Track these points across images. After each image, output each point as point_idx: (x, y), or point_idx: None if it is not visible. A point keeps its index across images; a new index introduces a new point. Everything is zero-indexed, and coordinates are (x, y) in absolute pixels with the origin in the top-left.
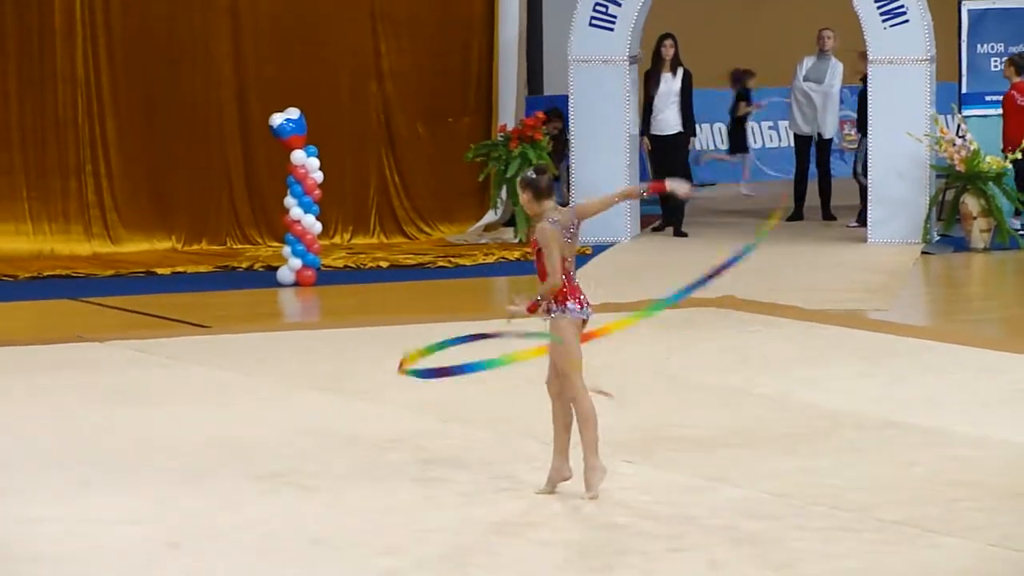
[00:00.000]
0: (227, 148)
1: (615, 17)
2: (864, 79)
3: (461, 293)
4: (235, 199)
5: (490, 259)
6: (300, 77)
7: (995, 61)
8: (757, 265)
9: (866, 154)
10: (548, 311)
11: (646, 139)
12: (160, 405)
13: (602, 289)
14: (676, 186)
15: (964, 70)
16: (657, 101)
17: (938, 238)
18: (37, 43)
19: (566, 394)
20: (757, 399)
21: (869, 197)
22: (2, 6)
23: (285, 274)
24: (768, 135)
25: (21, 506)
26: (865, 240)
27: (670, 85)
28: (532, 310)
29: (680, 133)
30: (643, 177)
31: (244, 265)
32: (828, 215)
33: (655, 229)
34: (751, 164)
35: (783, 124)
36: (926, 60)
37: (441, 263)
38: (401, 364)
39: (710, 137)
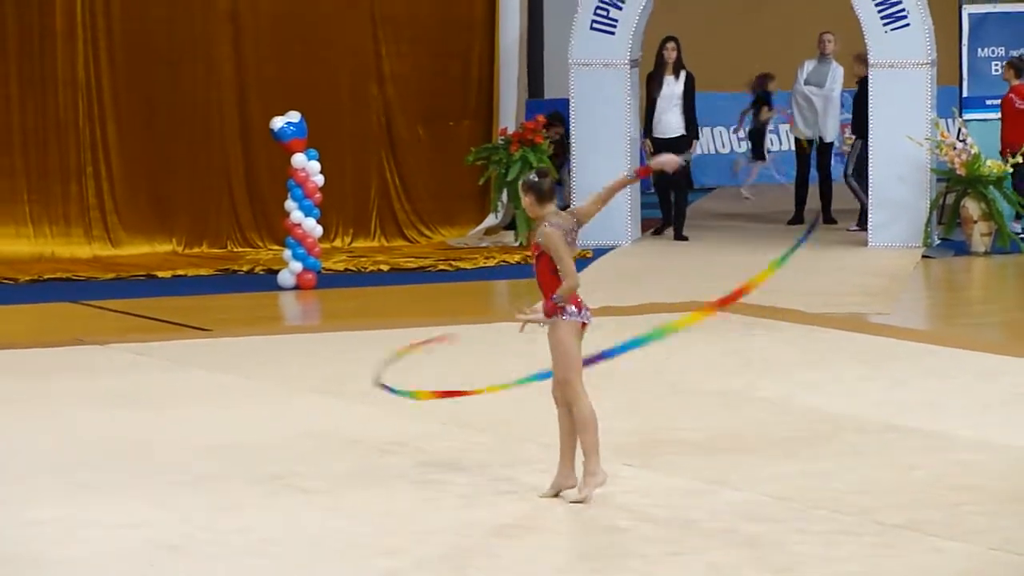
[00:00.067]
0: (228, 151)
1: (616, 21)
2: (860, 82)
3: (462, 296)
4: (236, 202)
5: (491, 262)
6: (300, 80)
7: (996, 65)
8: (757, 269)
9: (859, 157)
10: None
11: (648, 142)
12: (160, 408)
13: (603, 293)
14: (664, 160)
15: (965, 74)
16: (659, 104)
17: (939, 242)
18: (38, 46)
19: (567, 398)
20: (758, 403)
21: (869, 200)
22: (3, 8)
23: (286, 277)
24: (768, 139)
25: (22, 509)
26: (866, 244)
27: (672, 88)
28: (550, 313)
29: (682, 136)
30: (643, 182)
31: (245, 268)
32: (829, 219)
33: (655, 232)
34: (762, 169)
35: (783, 128)
36: (927, 64)
37: (442, 266)
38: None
39: (710, 141)
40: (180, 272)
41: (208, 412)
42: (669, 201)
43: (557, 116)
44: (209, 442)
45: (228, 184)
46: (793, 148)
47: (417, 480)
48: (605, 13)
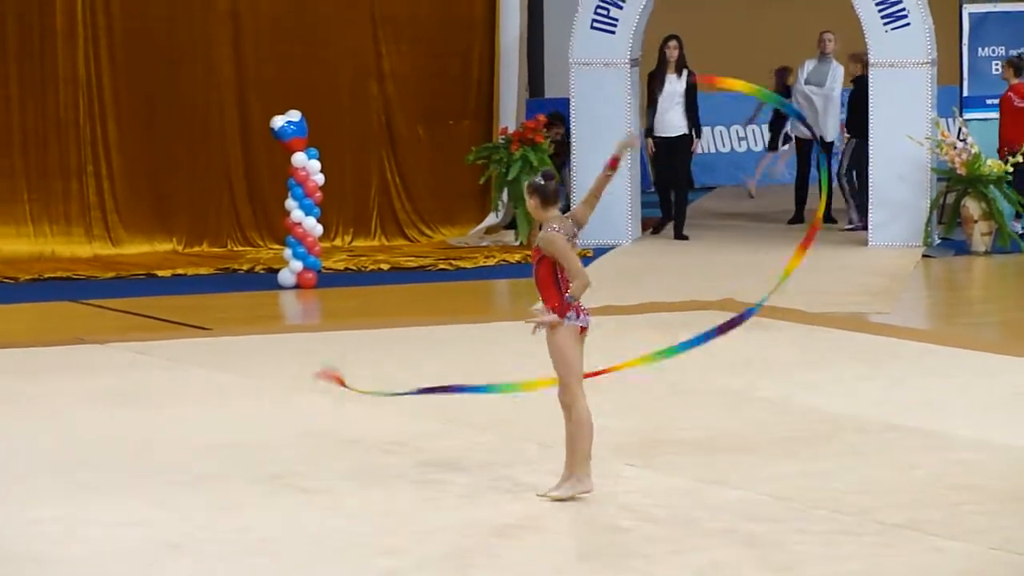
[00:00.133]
0: (228, 150)
1: (616, 20)
2: (854, 81)
3: (462, 296)
4: (236, 201)
5: (491, 262)
6: (300, 79)
7: (996, 64)
8: (758, 268)
9: (852, 155)
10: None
11: (650, 140)
12: (160, 407)
13: (603, 292)
14: (623, 142)
15: (965, 73)
16: (661, 102)
17: (939, 241)
18: (38, 45)
19: (566, 402)
20: (758, 402)
21: (870, 200)
22: (3, 7)
23: (286, 276)
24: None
25: (22, 508)
26: (866, 243)
27: (675, 86)
28: (564, 313)
29: (684, 135)
30: (644, 180)
31: (245, 267)
32: (829, 218)
33: (655, 230)
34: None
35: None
36: (927, 63)
37: (442, 265)
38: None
39: (710, 139)
40: (180, 271)
41: (208, 411)
42: (669, 199)
43: (558, 116)
44: (209, 441)
45: (228, 183)
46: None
47: (417, 480)
48: (605, 12)
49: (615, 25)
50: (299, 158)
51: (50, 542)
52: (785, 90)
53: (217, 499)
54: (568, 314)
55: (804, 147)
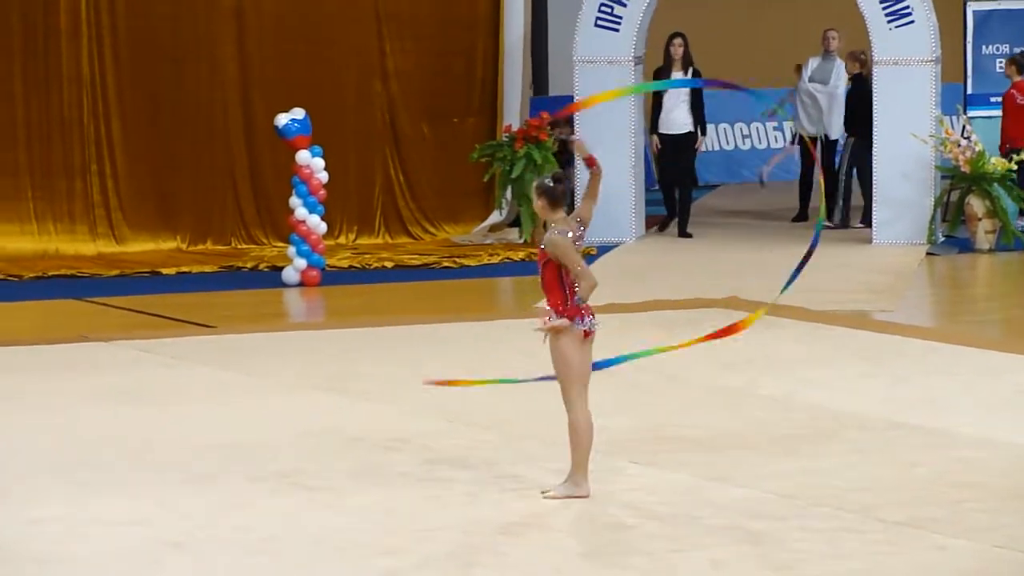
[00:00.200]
0: (232, 148)
1: (620, 18)
2: (853, 79)
3: (466, 294)
4: (240, 199)
5: (495, 259)
6: (304, 77)
7: (1000, 62)
8: (761, 266)
9: (852, 154)
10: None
11: (655, 138)
12: (164, 405)
13: (607, 290)
14: (577, 144)
15: (969, 71)
16: (667, 100)
17: (943, 239)
18: (42, 43)
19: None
20: (761, 400)
21: (874, 198)
22: (7, 6)
23: (290, 274)
24: (773, 136)
25: (24, 507)
26: (870, 241)
27: None
28: (572, 316)
29: (690, 132)
30: (648, 177)
31: (249, 265)
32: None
33: (660, 228)
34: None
35: (787, 125)
36: (931, 61)
37: (446, 263)
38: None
39: (715, 138)
40: (184, 269)
41: (211, 409)
42: (673, 197)
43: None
44: (211, 439)
45: (232, 181)
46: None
47: (422, 478)
48: (609, 10)
49: (619, 23)
50: (303, 156)
51: (51, 541)
52: None
53: (219, 498)
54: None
55: (806, 145)
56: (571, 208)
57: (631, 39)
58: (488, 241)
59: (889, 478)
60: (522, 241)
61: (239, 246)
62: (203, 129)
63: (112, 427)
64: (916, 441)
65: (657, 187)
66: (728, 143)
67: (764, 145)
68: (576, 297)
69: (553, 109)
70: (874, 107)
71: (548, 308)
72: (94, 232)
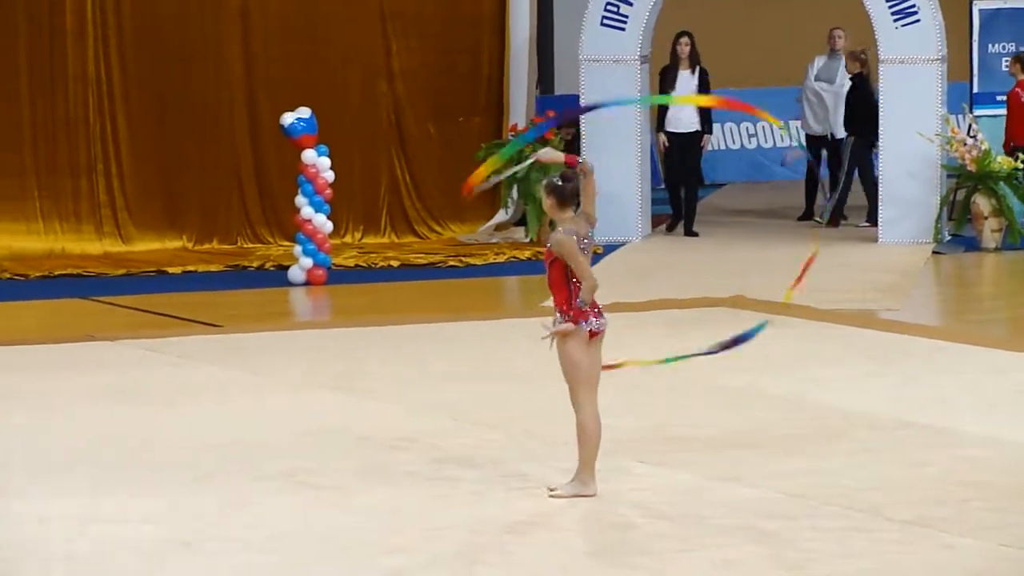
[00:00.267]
0: (238, 147)
1: (626, 17)
2: (852, 79)
3: (472, 293)
4: (246, 198)
5: (501, 258)
6: (310, 76)
7: (1006, 61)
8: (768, 264)
9: (852, 153)
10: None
11: (662, 136)
12: (170, 404)
13: (613, 289)
14: (547, 153)
15: (975, 70)
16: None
17: (949, 238)
18: (48, 42)
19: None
20: (769, 399)
21: (880, 197)
22: (13, 5)
23: (296, 273)
24: (778, 135)
25: (32, 506)
26: (876, 240)
27: (688, 83)
28: (578, 319)
29: (697, 132)
30: (654, 176)
31: (255, 264)
32: (841, 214)
33: (668, 229)
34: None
35: (794, 124)
36: (937, 60)
37: (452, 262)
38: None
39: (721, 136)
40: (190, 268)
41: (217, 408)
42: (679, 197)
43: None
44: (218, 438)
45: (238, 180)
46: (795, 143)
47: (428, 477)
48: (615, 9)
49: (625, 22)
50: (309, 155)
51: (58, 540)
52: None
53: (226, 496)
54: (580, 319)
55: (814, 143)
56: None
57: (637, 38)
58: (494, 240)
59: (897, 477)
60: (528, 240)
61: (245, 245)
62: (209, 128)
63: (118, 426)
64: (923, 440)
65: (663, 186)
66: (735, 142)
67: (770, 144)
68: (578, 300)
69: (559, 108)
70: (880, 106)
71: (554, 308)
72: (100, 231)
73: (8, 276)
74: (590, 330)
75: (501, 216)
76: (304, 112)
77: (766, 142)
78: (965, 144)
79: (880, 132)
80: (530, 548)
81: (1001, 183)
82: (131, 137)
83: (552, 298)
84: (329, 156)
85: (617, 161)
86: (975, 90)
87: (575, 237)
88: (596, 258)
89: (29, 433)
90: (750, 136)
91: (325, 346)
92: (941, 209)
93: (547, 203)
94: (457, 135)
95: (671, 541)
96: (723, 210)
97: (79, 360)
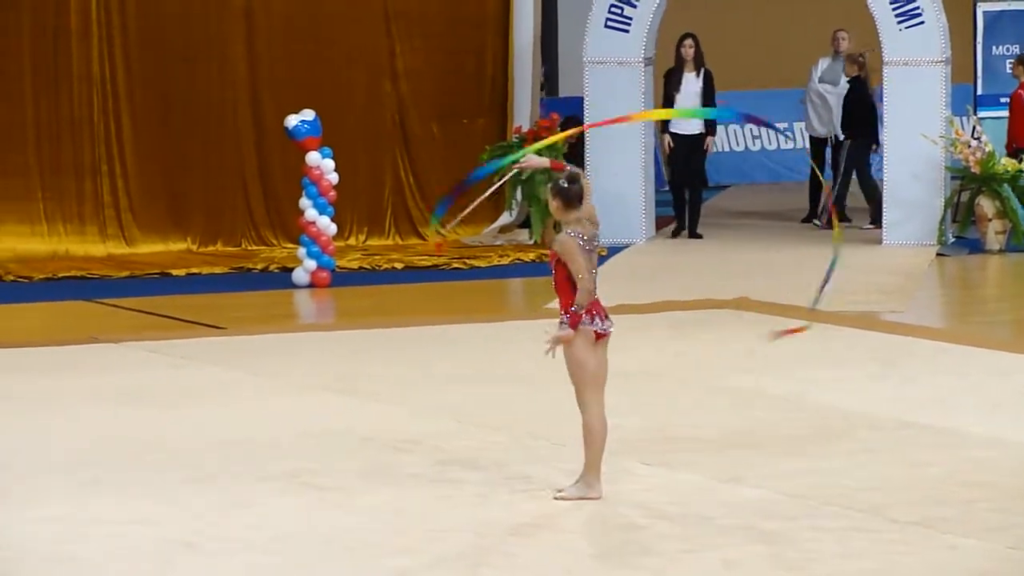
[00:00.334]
0: (242, 149)
1: (630, 19)
2: (851, 82)
3: (476, 295)
4: (250, 200)
5: (505, 261)
6: (314, 78)
7: (1010, 63)
8: (772, 266)
9: (849, 156)
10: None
11: (666, 137)
12: (173, 406)
13: (617, 290)
14: (530, 161)
15: (979, 72)
16: (680, 101)
17: (953, 240)
18: (52, 42)
19: (578, 408)
20: (771, 400)
21: (884, 199)
22: (17, 6)
23: (300, 275)
24: (782, 137)
25: (32, 507)
26: (880, 242)
27: (693, 85)
28: (575, 324)
29: (702, 133)
30: (658, 178)
31: (259, 266)
32: (843, 217)
33: (672, 234)
34: None
35: (798, 126)
36: (941, 62)
37: (456, 265)
38: None
39: (724, 138)
40: (194, 270)
41: (221, 410)
42: (683, 200)
43: (575, 121)
44: (222, 439)
45: (243, 182)
46: (800, 145)
47: (432, 479)
48: (619, 11)
49: (629, 24)
50: (313, 157)
51: (60, 541)
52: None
53: (229, 497)
54: (583, 320)
55: (818, 145)
56: None
57: (641, 40)
58: (498, 242)
59: (899, 478)
60: (532, 242)
61: (249, 247)
62: (213, 129)
63: (121, 427)
64: (926, 441)
65: (667, 188)
66: (739, 144)
67: (774, 147)
68: (574, 306)
69: (563, 110)
70: (884, 108)
71: (560, 310)
72: (104, 233)
73: (12, 278)
74: (596, 331)
75: (505, 218)
76: (308, 114)
77: (770, 144)
78: (969, 146)
79: (884, 134)
80: (534, 550)
81: (1005, 185)
82: (135, 138)
83: (558, 300)
84: (333, 158)
85: (621, 162)
86: (979, 92)
87: (582, 239)
88: (600, 260)
89: (32, 434)
90: (754, 138)
91: (329, 348)
92: (945, 211)
93: (553, 205)
94: (461, 136)
95: (674, 542)
96: (727, 212)
97: (82, 362)
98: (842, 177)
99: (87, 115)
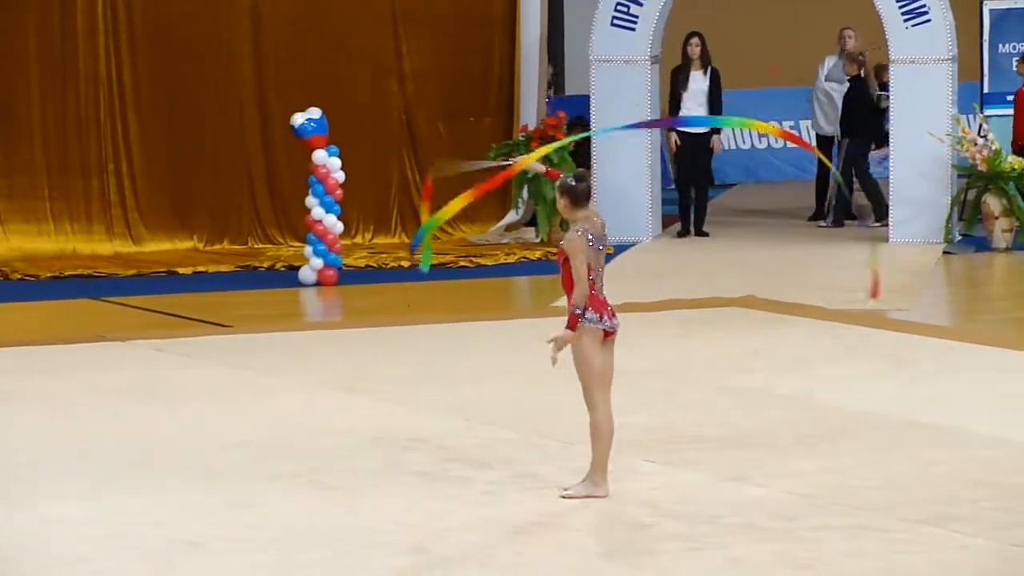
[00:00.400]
0: (249, 148)
1: (637, 17)
2: (852, 81)
3: (482, 293)
4: (257, 199)
5: (511, 259)
6: (321, 76)
7: (1016, 61)
8: (778, 265)
9: (848, 154)
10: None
11: (673, 136)
12: (181, 405)
13: (624, 289)
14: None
15: (986, 70)
16: (686, 100)
17: (960, 238)
18: (59, 42)
19: (586, 406)
20: (779, 399)
21: (891, 196)
22: (24, 5)
23: (306, 274)
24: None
25: (42, 507)
26: (887, 240)
27: (699, 84)
28: (573, 325)
29: (709, 132)
30: (665, 176)
31: (265, 265)
32: (849, 215)
33: (678, 235)
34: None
35: (804, 124)
36: (948, 60)
37: (463, 263)
38: None
39: (730, 137)
40: (201, 268)
41: (227, 408)
42: (688, 200)
43: (581, 122)
44: (228, 439)
45: (249, 180)
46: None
47: (439, 477)
48: (625, 9)
49: (635, 22)
50: (319, 155)
51: (69, 540)
52: (883, 85)
53: (235, 496)
54: (590, 316)
55: (824, 143)
56: None
57: (647, 38)
58: (505, 240)
59: (906, 476)
60: (539, 240)
61: (256, 246)
62: (220, 128)
63: (127, 426)
64: (932, 440)
65: (673, 186)
66: (745, 143)
67: (780, 145)
68: (572, 306)
69: (570, 109)
70: (891, 106)
71: (567, 309)
72: (111, 232)
73: (19, 277)
74: (603, 330)
75: (511, 216)
76: (315, 113)
77: (776, 143)
78: (976, 144)
79: (891, 132)
80: (540, 548)
81: (1012, 183)
82: (142, 136)
83: (565, 298)
84: (340, 156)
85: (628, 161)
86: (985, 90)
87: (591, 237)
88: (607, 258)
89: (37, 433)
90: (760, 136)
91: (335, 347)
92: (952, 209)
93: (560, 203)
94: (468, 135)
95: (680, 540)
96: (733, 210)
97: (89, 360)
98: (843, 176)
99: (94, 114)
